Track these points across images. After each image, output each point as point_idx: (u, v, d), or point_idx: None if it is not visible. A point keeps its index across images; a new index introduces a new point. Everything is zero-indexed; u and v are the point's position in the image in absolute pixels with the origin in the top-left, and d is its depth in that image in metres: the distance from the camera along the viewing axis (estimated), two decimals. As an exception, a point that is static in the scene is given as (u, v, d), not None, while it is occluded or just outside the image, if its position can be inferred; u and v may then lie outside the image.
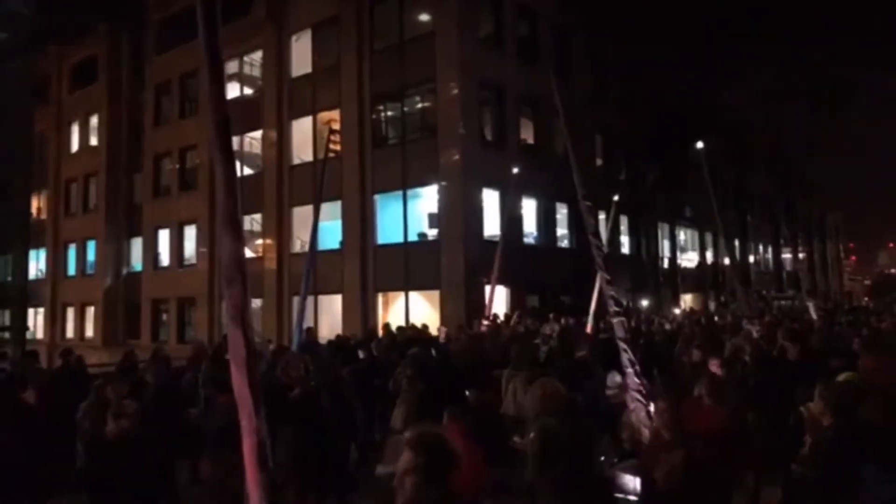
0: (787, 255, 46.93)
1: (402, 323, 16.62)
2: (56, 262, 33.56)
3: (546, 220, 22.12)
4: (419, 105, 20.81)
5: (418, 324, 15.04)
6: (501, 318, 16.21)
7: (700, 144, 15.36)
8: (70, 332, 32.40)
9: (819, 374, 5.78)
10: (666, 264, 31.31)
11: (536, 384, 5.21)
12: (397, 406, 7.14)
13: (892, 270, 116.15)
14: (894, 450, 3.46)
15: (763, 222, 43.80)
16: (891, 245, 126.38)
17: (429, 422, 5.96)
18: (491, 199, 19.71)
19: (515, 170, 15.88)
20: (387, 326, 14.27)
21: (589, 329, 12.49)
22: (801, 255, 47.36)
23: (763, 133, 42.57)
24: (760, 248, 44.95)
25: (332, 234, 21.03)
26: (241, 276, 2.58)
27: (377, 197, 20.92)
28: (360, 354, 10.64)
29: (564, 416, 4.68)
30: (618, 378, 7.37)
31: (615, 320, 6.20)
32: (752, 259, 41.80)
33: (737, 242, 37.74)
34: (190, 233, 27.36)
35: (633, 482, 4.98)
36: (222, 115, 2.67)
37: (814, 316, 12.50)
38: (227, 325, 2.58)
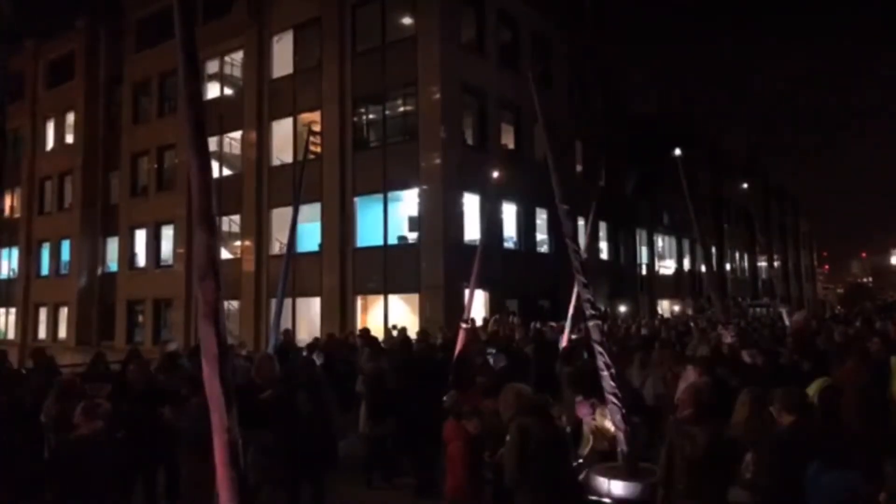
0: (762, 263, 47.61)
1: (381, 326, 16.59)
2: (29, 262, 32.96)
3: (526, 225, 22.22)
4: (400, 108, 20.80)
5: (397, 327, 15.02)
6: (480, 322, 16.25)
7: (678, 152, 15.50)
8: (42, 333, 31.80)
9: (788, 377, 5.90)
10: (644, 271, 31.60)
11: (508, 387, 5.25)
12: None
13: (865, 280, 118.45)
14: (837, 446, 3.62)
15: (739, 230, 44.42)
16: (863, 255, 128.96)
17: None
18: (471, 203, 19.74)
19: (496, 174, 15.91)
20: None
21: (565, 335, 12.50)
22: (775, 264, 48.03)
23: (740, 142, 43.19)
24: (736, 255, 45.57)
25: (311, 236, 20.93)
26: (213, 272, 2.56)
27: (357, 199, 20.86)
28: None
29: (539, 416, 4.73)
30: None
31: (591, 323, 6.20)
32: (728, 266, 42.35)
33: (714, 250, 38.18)
34: (167, 233, 27.06)
35: (606, 484, 5.04)
36: (197, 111, 2.65)
37: (787, 322, 12.65)
38: (200, 322, 2.56)
